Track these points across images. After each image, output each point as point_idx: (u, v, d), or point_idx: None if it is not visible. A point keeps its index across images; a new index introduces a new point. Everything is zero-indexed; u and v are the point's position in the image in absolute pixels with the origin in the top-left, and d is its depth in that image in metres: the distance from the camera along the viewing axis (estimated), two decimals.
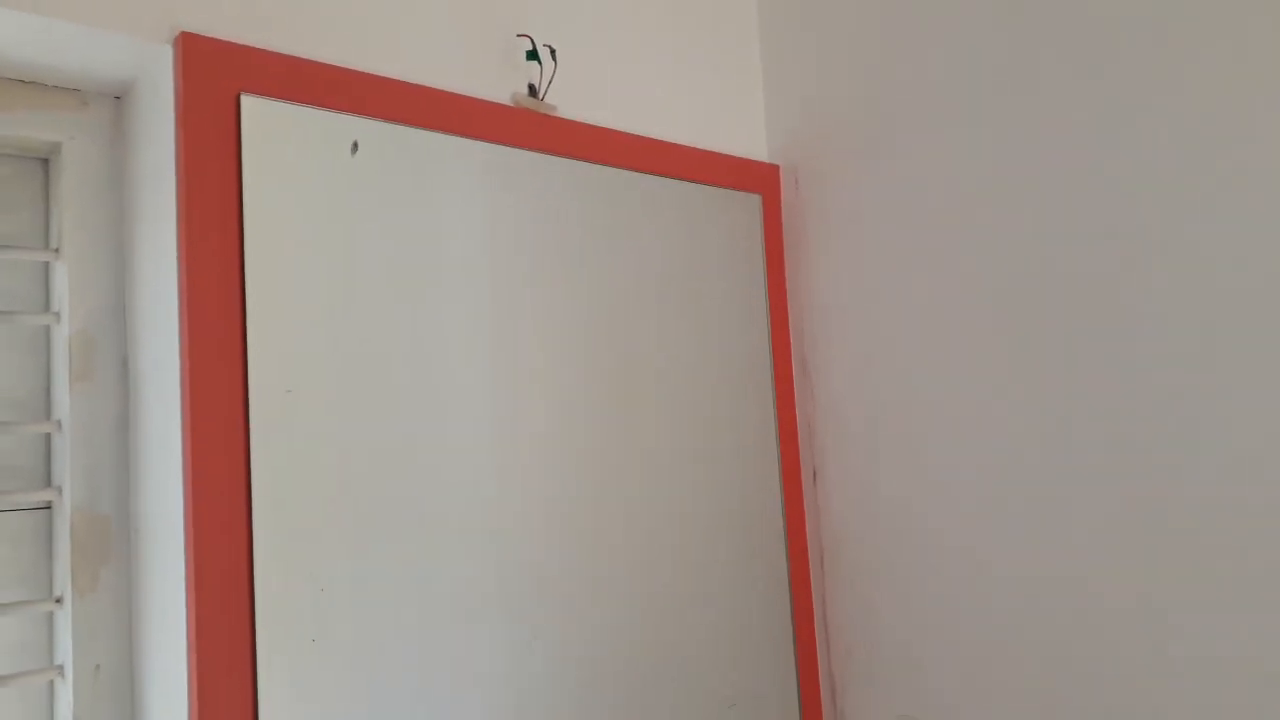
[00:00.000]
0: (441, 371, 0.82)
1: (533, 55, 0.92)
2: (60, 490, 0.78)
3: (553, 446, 0.89)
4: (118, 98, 0.82)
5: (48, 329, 0.81)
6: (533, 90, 0.93)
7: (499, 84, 0.91)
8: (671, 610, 0.97)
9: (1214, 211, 0.78)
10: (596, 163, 0.96)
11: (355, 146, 0.79)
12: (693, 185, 1.05)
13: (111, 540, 0.78)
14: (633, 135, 0.99)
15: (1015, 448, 0.91)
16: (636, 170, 1.00)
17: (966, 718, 0.95)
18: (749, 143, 1.15)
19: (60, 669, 0.76)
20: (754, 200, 1.12)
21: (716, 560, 1.01)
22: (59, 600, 0.77)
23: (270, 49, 0.76)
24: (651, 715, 0.94)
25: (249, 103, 0.74)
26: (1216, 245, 0.78)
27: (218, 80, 0.73)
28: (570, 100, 0.97)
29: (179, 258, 0.71)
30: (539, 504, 0.88)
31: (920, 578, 0.99)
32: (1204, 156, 0.79)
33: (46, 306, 0.81)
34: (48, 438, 0.80)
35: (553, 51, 0.93)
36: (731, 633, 1.02)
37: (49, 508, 0.79)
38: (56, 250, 0.79)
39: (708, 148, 1.09)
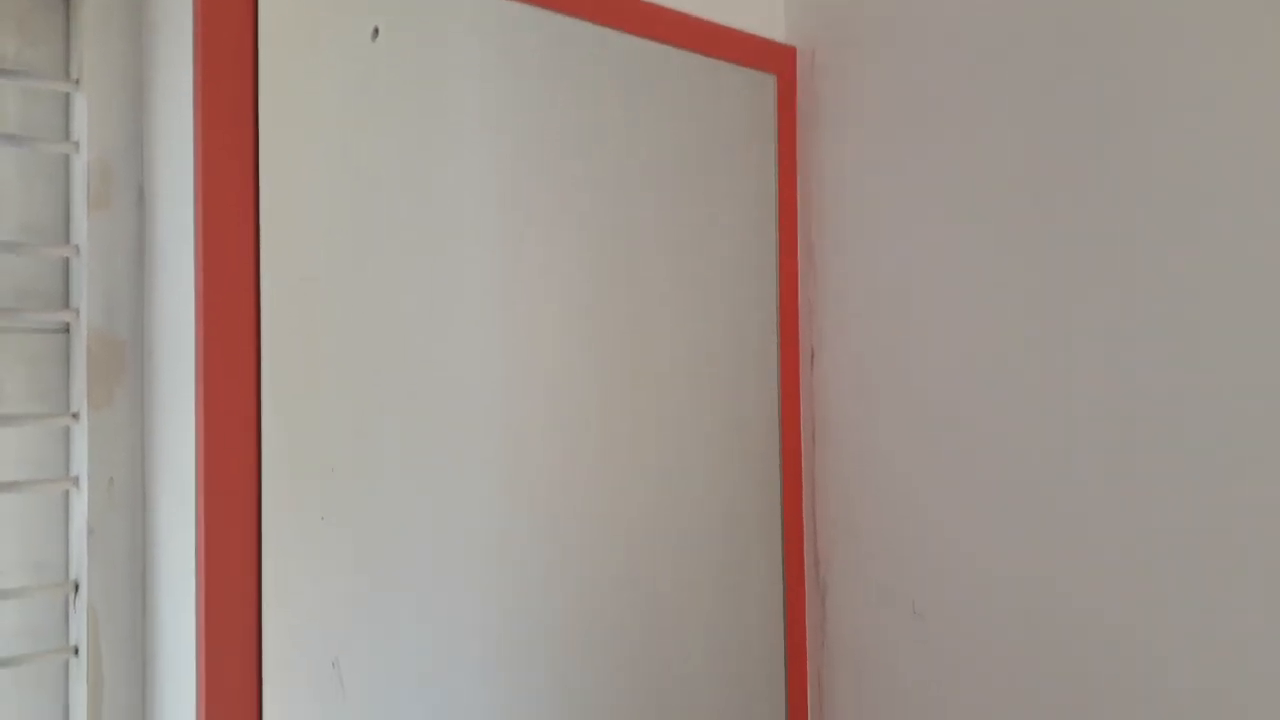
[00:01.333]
0: (452, 262, 0.85)
1: None
2: (78, 312, 0.81)
3: (559, 334, 0.92)
4: None
5: (67, 157, 0.83)
6: None
7: None
8: (663, 488, 1.00)
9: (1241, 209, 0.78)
10: (609, 27, 0.97)
11: (376, 32, 0.80)
12: (705, 59, 1.05)
13: (126, 361, 0.81)
14: (646, 1, 1.00)
15: (1019, 335, 0.92)
16: (648, 38, 1.00)
17: (950, 593, 0.98)
18: (766, 21, 1.15)
19: (75, 480, 0.80)
20: (768, 81, 1.12)
21: (709, 436, 1.04)
22: (75, 415, 0.81)
23: None
24: (642, 581, 0.97)
25: None
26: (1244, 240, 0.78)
27: None
28: None
29: (195, 137, 0.73)
30: (544, 394, 0.90)
31: (911, 456, 1.01)
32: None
33: (66, 135, 0.83)
34: (66, 262, 0.83)
35: None
36: (720, 507, 1.05)
37: (67, 331, 0.83)
38: (77, 81, 0.81)
39: (722, 22, 1.08)
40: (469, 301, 0.86)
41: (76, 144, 0.82)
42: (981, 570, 0.95)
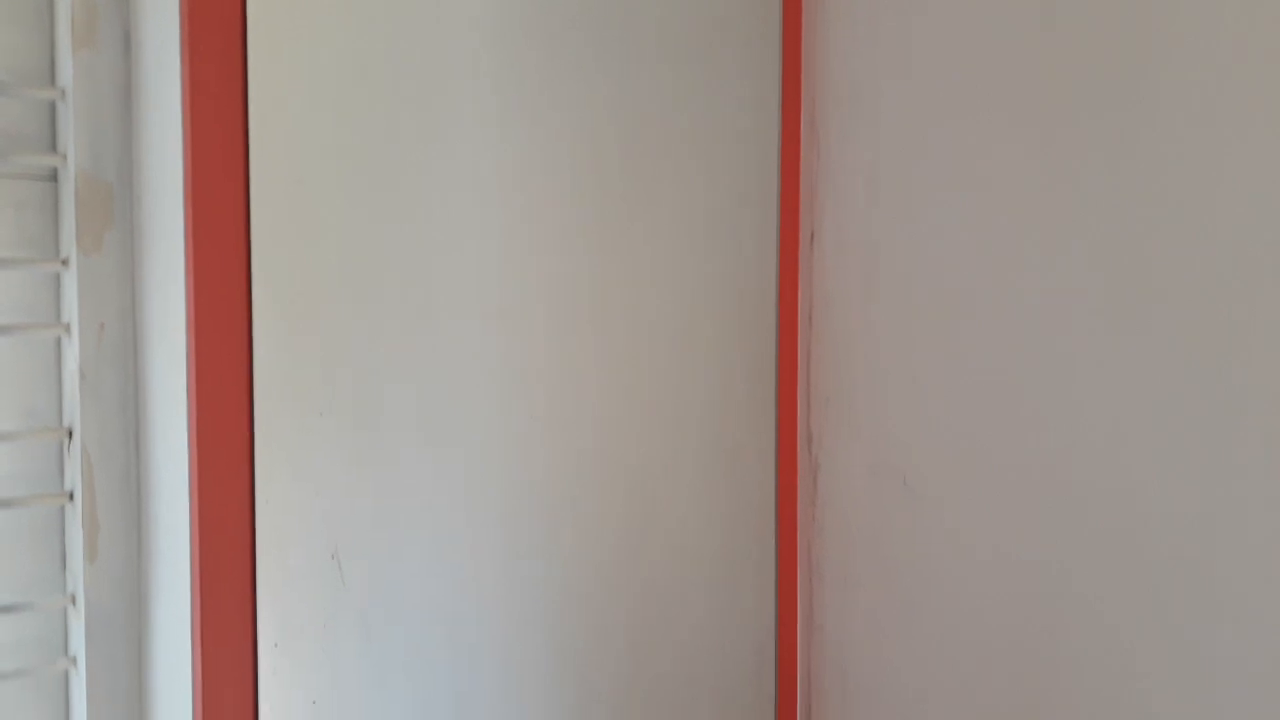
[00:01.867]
0: (448, 142, 0.83)
1: None
2: (65, 156, 0.80)
3: (556, 216, 0.91)
4: None
5: None
6: None
7: None
8: (656, 362, 1.00)
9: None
10: None
11: None
12: None
13: (114, 205, 0.80)
14: None
15: (1020, 219, 0.91)
16: None
17: (940, 467, 0.98)
18: None
19: (66, 326, 0.80)
20: None
21: (704, 313, 1.04)
22: (64, 262, 0.80)
23: None
24: (633, 457, 0.98)
25: None
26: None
27: None
28: None
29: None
30: (541, 274, 0.90)
31: (907, 336, 1.01)
32: None
33: None
34: (53, 106, 0.81)
35: None
36: (713, 384, 1.05)
37: (55, 177, 0.81)
38: None
39: None
40: (466, 182, 0.84)
41: None
42: (973, 443, 0.95)
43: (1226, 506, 0.78)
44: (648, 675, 1.01)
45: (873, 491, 1.04)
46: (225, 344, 0.75)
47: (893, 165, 1.01)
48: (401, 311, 0.82)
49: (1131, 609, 0.84)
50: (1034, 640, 0.91)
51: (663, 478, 1.01)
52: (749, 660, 1.10)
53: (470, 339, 0.85)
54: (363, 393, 0.80)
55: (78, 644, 0.80)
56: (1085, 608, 0.87)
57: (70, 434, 0.80)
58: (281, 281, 0.76)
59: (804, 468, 1.11)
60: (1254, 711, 0.77)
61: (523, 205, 0.88)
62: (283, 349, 0.76)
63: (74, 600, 0.80)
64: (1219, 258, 0.78)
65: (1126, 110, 0.83)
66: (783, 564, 1.11)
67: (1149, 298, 0.82)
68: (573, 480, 0.94)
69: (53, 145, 0.81)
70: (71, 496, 0.80)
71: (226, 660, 0.75)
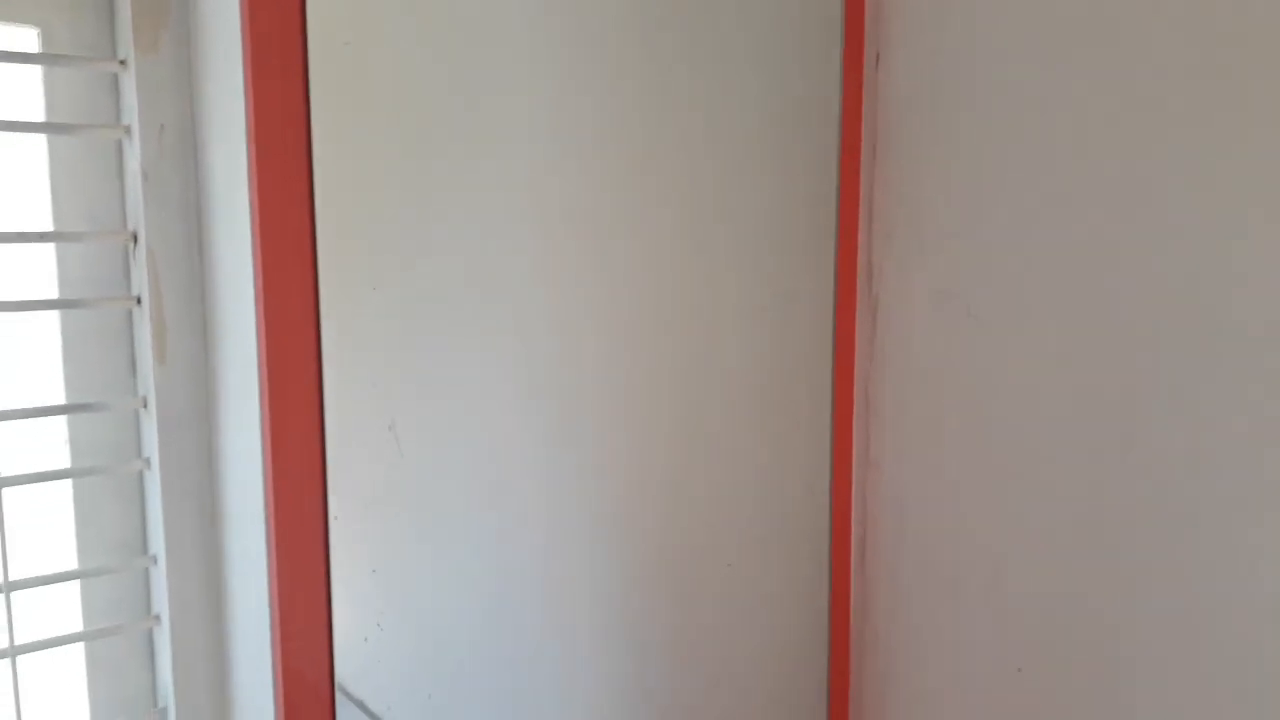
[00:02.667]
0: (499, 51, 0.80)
1: None
2: None
3: (602, 132, 0.88)
4: None
5: None
6: None
7: None
8: (712, 191, 0.97)
9: None
10: None
11: None
12: None
13: (170, 4, 0.79)
14: None
15: (1090, 31, 0.86)
16: None
17: (1006, 293, 0.96)
18: None
19: (127, 128, 0.80)
20: None
21: (763, 150, 1.01)
22: (123, 63, 0.79)
23: None
24: (685, 300, 0.96)
25: None
26: None
27: None
28: None
29: None
30: (587, 185, 0.87)
31: (976, 158, 0.98)
32: None
33: None
34: None
35: None
36: (770, 215, 1.03)
37: None
38: None
39: None
40: (518, 81, 0.82)
41: None
42: (1044, 273, 0.92)
43: None
44: (695, 518, 1.02)
45: (935, 324, 1.02)
46: (286, 151, 0.74)
47: None
48: (450, 207, 0.81)
49: (1210, 439, 0.82)
50: (1103, 477, 0.90)
51: (716, 323, 1.00)
52: (803, 499, 1.11)
53: (517, 228, 0.84)
54: (416, 263, 0.80)
55: (150, 445, 0.82)
56: (1161, 442, 0.85)
57: (135, 238, 0.81)
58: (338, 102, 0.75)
59: (863, 306, 1.09)
60: None
61: (574, 87, 0.85)
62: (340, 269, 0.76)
63: (145, 403, 0.82)
64: None
65: None
66: (839, 402, 1.10)
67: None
68: (622, 333, 0.93)
69: None
70: (139, 300, 0.81)
71: (296, 456, 0.76)
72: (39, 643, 0.79)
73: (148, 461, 0.83)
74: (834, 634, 1.11)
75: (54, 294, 0.80)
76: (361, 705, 0.81)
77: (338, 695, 0.76)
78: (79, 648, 0.83)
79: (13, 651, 0.77)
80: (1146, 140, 0.86)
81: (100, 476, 0.83)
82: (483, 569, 0.87)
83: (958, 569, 1.00)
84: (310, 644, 0.76)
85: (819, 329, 1.09)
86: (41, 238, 0.78)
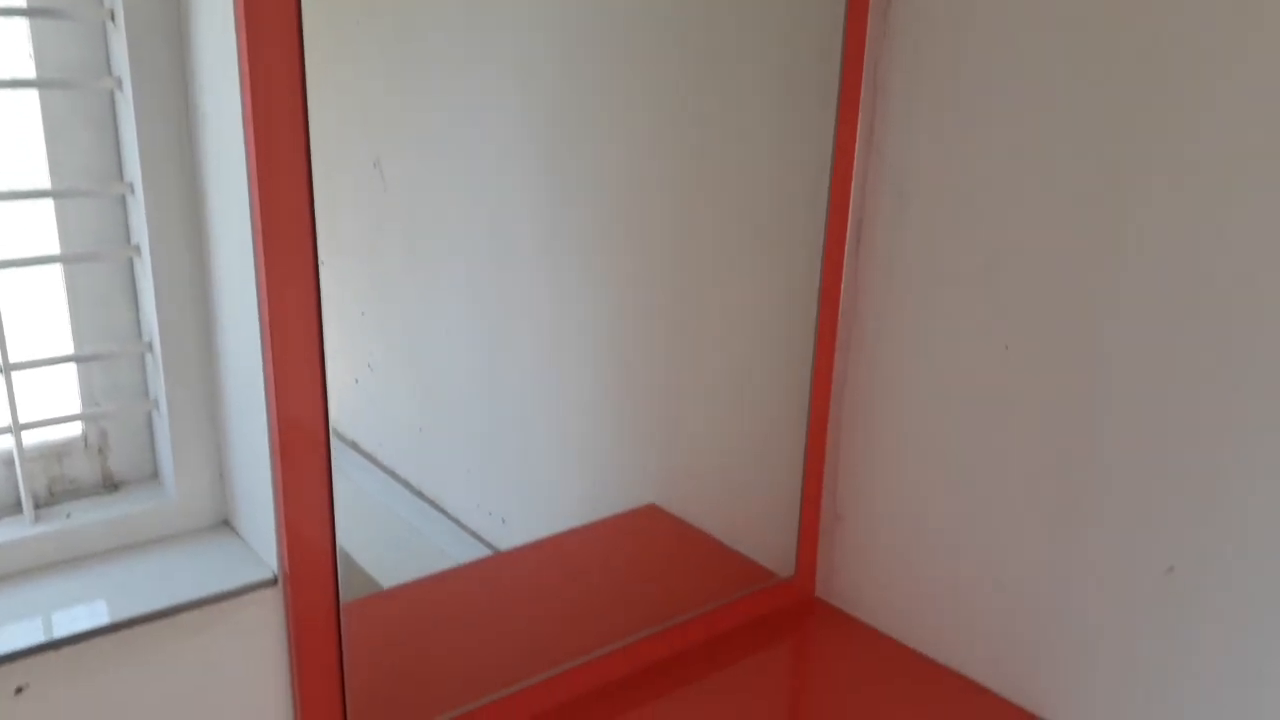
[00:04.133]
0: None
1: None
2: None
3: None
4: None
5: None
6: None
7: None
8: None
9: None
10: None
11: None
12: None
13: None
14: None
15: None
16: None
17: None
18: None
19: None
20: None
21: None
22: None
23: None
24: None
25: None
26: None
27: None
28: None
29: None
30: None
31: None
32: None
33: None
34: None
35: None
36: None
37: None
38: None
39: None
40: None
41: None
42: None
43: None
44: (693, 240, 1.00)
45: None
46: None
47: None
48: None
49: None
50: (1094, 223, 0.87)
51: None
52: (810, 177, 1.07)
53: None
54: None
55: (120, 63, 0.77)
56: (1165, 206, 0.82)
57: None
58: None
59: None
60: None
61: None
62: None
63: (112, 16, 0.76)
64: None
65: None
66: (846, 88, 1.05)
67: None
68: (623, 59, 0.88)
69: None
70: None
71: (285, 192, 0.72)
72: (19, 259, 0.76)
73: (119, 81, 0.78)
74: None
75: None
76: (354, 446, 0.81)
77: (331, 439, 0.76)
78: (60, 289, 0.81)
79: None
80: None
81: (70, 91, 0.78)
82: (474, 305, 0.86)
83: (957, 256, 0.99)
84: (304, 391, 0.74)
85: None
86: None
